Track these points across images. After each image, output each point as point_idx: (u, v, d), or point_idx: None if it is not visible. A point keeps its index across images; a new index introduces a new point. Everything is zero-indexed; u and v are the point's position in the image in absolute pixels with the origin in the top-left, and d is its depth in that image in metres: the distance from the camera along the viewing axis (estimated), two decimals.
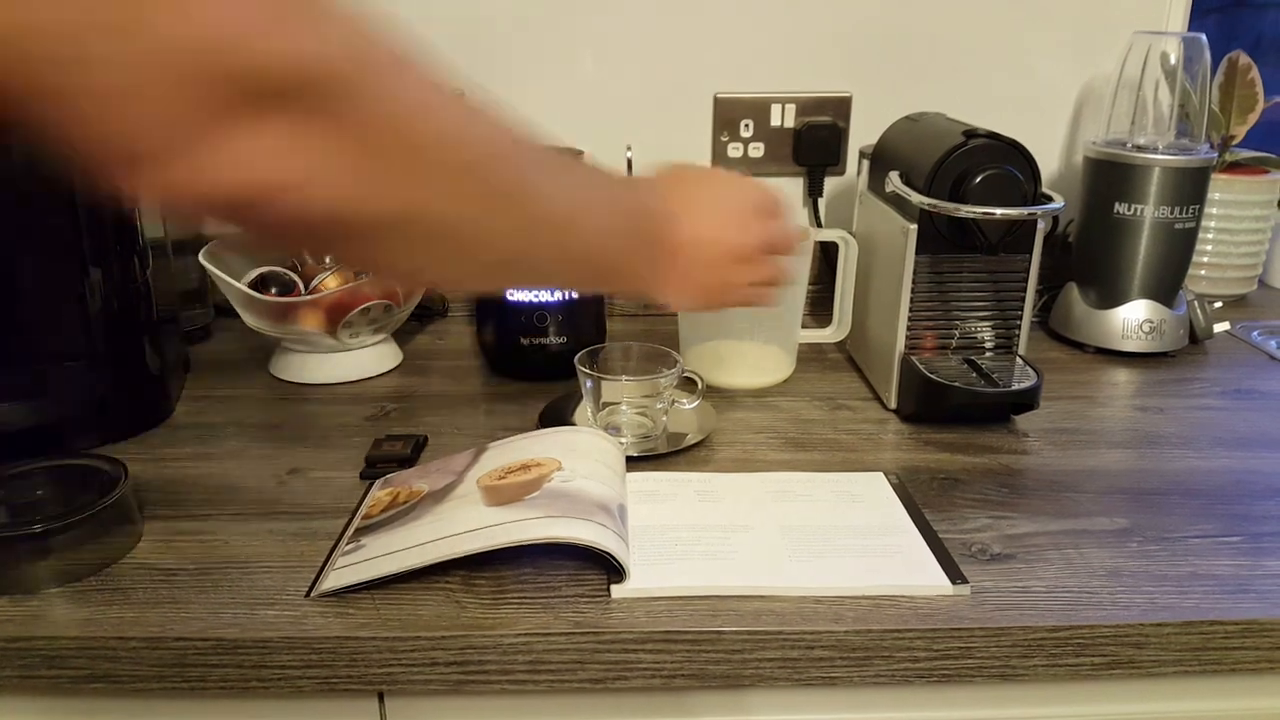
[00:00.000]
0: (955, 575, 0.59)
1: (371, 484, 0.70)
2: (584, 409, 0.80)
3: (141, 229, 0.79)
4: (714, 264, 0.56)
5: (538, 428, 0.78)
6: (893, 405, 0.84)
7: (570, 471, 0.63)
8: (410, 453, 0.74)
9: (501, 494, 0.61)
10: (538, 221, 0.43)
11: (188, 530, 0.65)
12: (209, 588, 0.58)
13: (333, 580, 0.57)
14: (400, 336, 0.98)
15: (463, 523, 0.59)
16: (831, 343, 0.95)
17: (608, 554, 0.56)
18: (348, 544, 0.61)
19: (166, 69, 0.28)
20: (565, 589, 0.58)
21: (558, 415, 0.81)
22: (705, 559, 0.60)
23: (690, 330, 0.92)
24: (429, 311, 1.07)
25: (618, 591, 0.57)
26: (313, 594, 0.57)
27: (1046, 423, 0.82)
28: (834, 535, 0.63)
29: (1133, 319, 0.98)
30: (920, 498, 0.69)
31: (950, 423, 0.82)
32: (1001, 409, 0.82)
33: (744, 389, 0.88)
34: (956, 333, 0.84)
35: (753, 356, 0.90)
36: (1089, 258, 1.02)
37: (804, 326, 0.93)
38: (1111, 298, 0.99)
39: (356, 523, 0.64)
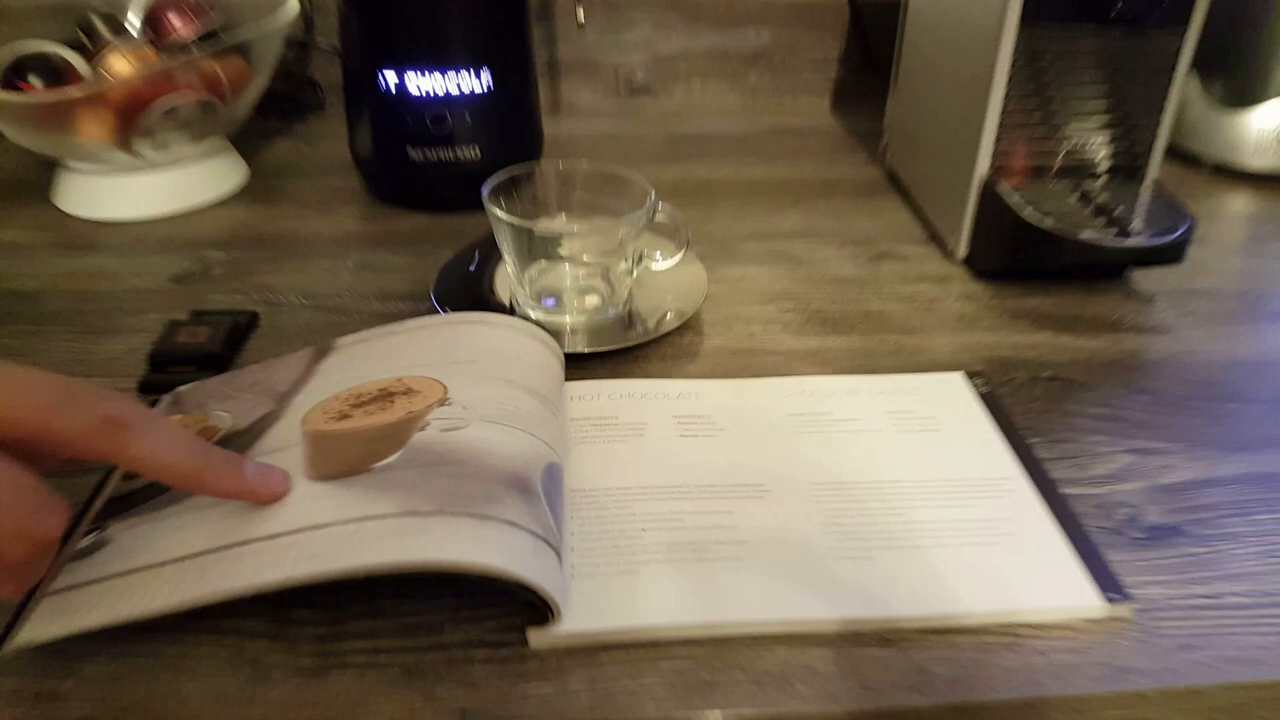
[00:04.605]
0: (1108, 581, 0.35)
1: (154, 404, 0.43)
2: (501, 266, 0.53)
3: None
4: None
5: (434, 294, 0.51)
6: (961, 253, 0.58)
7: (462, 407, 0.37)
8: (221, 347, 0.47)
9: (336, 453, 0.36)
10: None
11: None
12: None
13: (35, 628, 0.32)
14: (251, 142, 0.68)
15: (263, 520, 0.33)
16: None
17: (518, 584, 0.31)
18: (85, 537, 0.36)
19: None
20: (448, 635, 0.33)
21: (462, 280, 0.54)
22: (691, 560, 0.35)
23: None
24: (296, 105, 0.77)
25: (539, 639, 0.33)
26: (3, 649, 0.32)
27: (1176, 279, 0.57)
28: (899, 497, 0.38)
29: (1271, 127, 0.70)
30: (1018, 411, 0.45)
31: (1039, 279, 0.56)
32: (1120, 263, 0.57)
33: None
34: (1062, 149, 0.56)
35: None
36: (1219, 35, 0.72)
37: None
38: (1246, 93, 0.71)
39: (109, 489, 0.38)
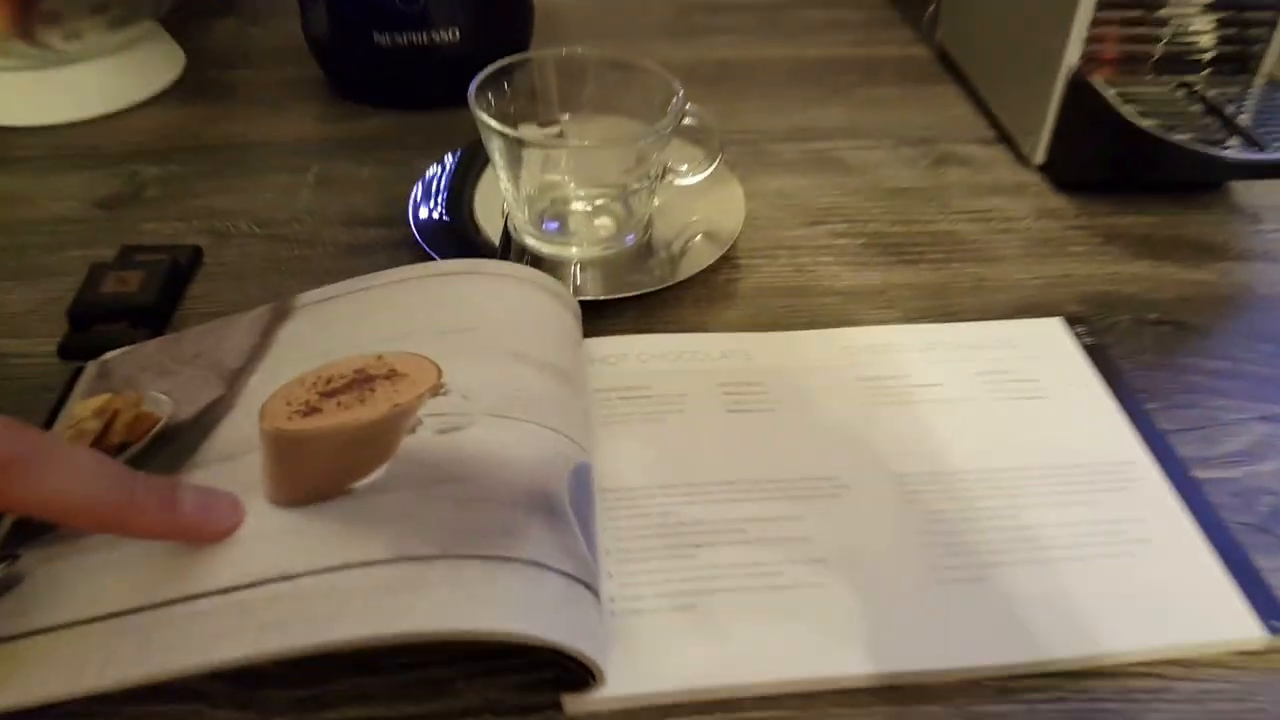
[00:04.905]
0: (1266, 603, 0.29)
1: (78, 375, 0.35)
2: (490, 180, 0.44)
3: None
4: None
5: (413, 219, 0.42)
6: (1039, 159, 0.49)
7: (462, 396, 0.29)
8: (156, 297, 0.38)
9: (304, 463, 0.28)
10: None
11: None
12: None
13: None
14: (188, 24, 0.57)
15: (217, 563, 0.25)
16: None
17: (549, 647, 0.24)
18: None
19: None
20: (460, 696, 0.26)
21: (444, 201, 0.45)
22: (761, 589, 0.28)
23: None
24: None
25: (577, 706, 0.26)
26: None
27: (1277, 194, 0.49)
28: (1006, 492, 0.31)
29: None
30: (1128, 367, 0.37)
31: (1127, 191, 0.48)
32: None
33: None
34: (1165, 35, 0.47)
35: None
36: None
37: None
38: None
39: None
